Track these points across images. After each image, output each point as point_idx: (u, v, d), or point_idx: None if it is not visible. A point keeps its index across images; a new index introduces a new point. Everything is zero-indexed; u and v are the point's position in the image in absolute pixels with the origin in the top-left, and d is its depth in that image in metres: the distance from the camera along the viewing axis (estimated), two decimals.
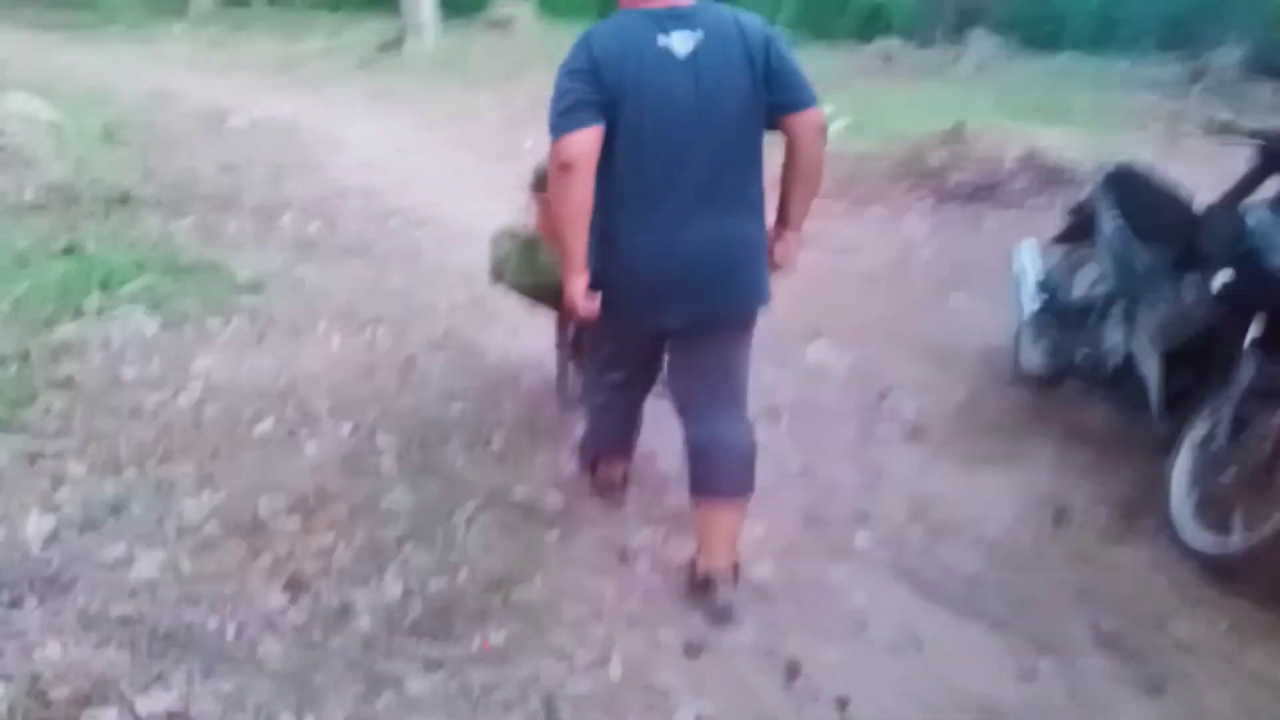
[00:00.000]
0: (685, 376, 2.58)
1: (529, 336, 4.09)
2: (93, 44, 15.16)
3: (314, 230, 5.65)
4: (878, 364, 4.34)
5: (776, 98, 2.30)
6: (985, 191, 7.13)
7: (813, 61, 13.53)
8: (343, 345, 4.14)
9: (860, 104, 10.67)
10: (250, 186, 6.40)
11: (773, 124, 2.36)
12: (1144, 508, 3.20)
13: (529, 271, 3.10)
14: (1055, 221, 6.36)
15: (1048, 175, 7.34)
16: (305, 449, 3.34)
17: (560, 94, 2.21)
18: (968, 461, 3.56)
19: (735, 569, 2.59)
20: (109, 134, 7.94)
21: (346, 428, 3.48)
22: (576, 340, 3.39)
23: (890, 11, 17.75)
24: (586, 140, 2.18)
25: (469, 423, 3.54)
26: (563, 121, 2.19)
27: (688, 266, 2.34)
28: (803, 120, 2.33)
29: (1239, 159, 3.33)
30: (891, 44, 14.03)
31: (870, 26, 17.99)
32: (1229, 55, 12.22)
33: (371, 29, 16.08)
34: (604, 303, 2.40)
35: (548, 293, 2.88)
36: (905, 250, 5.97)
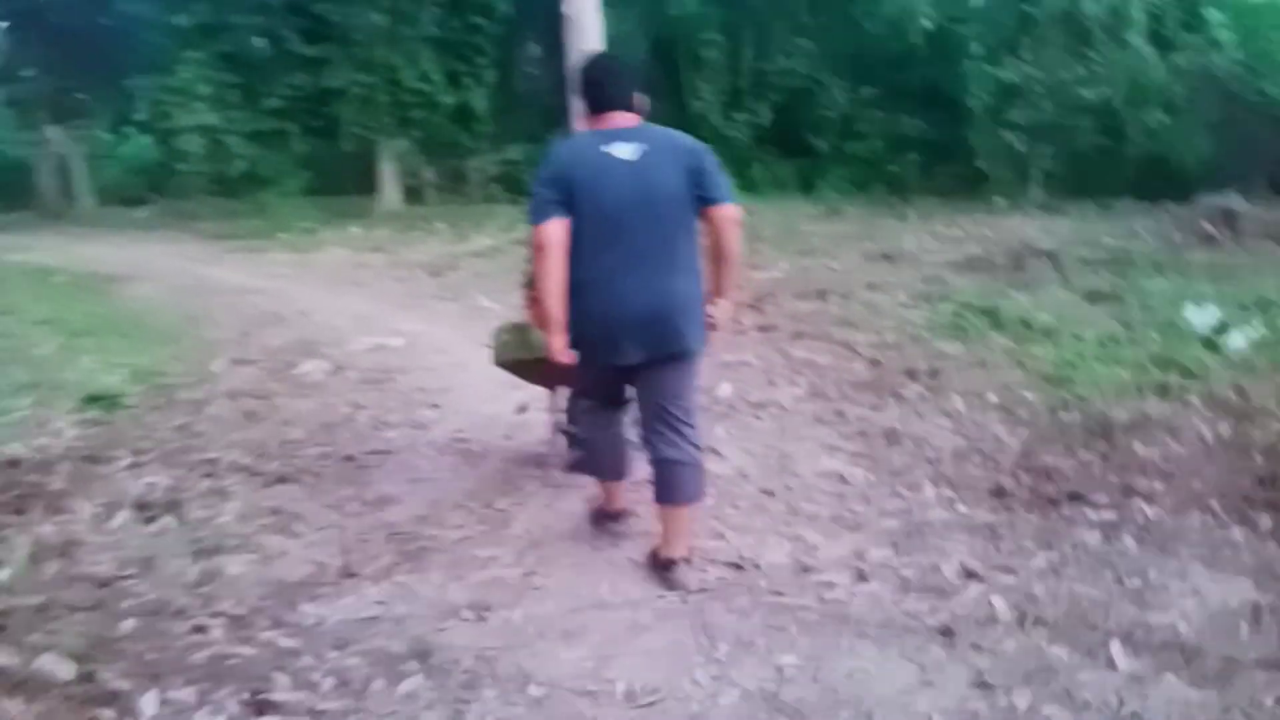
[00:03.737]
0: (646, 405, 2.93)
1: None
2: (249, 254, 13.25)
3: None
4: None
5: (699, 194, 2.72)
6: None
7: (1093, 226, 7.50)
8: None
9: (1254, 298, 6.45)
10: (156, 566, 3.03)
11: (698, 215, 2.78)
12: None
13: (522, 349, 3.52)
14: None
15: None
16: None
17: (534, 196, 2.71)
18: None
19: (689, 553, 2.96)
20: (99, 402, 5.02)
21: None
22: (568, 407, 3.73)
23: (1180, 160, 13.43)
24: (555, 229, 2.65)
25: None
26: (536, 217, 2.68)
27: (639, 316, 2.72)
28: (718, 213, 2.75)
29: None
30: (1227, 200, 9.61)
31: (1152, 181, 13.71)
32: None
33: None
34: (579, 351, 2.82)
35: (535, 366, 3.37)
36: None
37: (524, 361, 3.56)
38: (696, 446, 2.91)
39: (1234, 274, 7.48)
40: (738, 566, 3.08)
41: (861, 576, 2.99)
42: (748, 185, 18.28)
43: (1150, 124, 13.57)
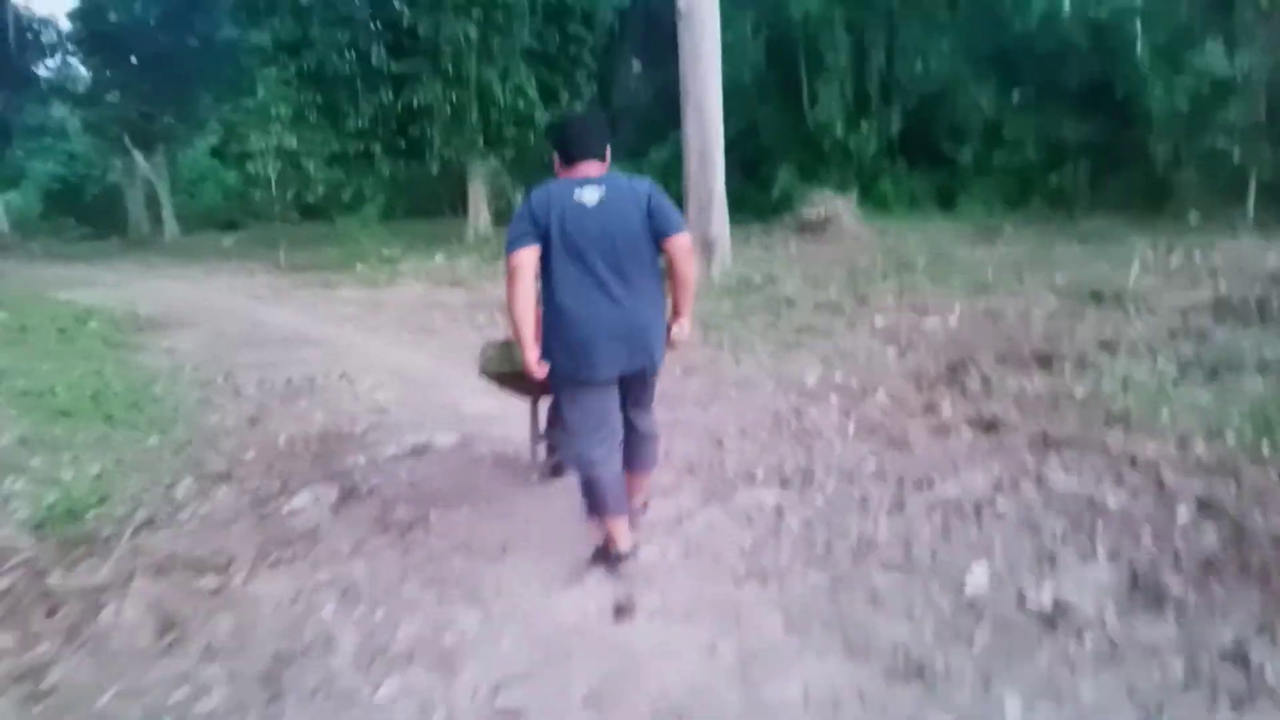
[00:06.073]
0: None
1: None
2: (320, 290, 11.49)
3: None
4: None
5: (654, 227, 2.99)
6: None
7: None
8: None
9: None
10: None
11: (657, 246, 3.03)
12: None
13: (505, 363, 3.77)
14: None
15: None
16: None
17: (511, 230, 2.94)
18: None
19: (644, 505, 3.57)
20: None
21: None
22: (549, 420, 4.03)
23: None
24: (526, 254, 2.89)
25: None
26: (511, 245, 2.90)
27: (603, 337, 2.98)
28: (673, 242, 3.00)
29: None
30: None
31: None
32: None
33: None
34: (551, 366, 3.06)
35: (516, 378, 3.63)
36: None
37: (506, 374, 3.81)
38: (653, 425, 3.39)
39: None
40: None
41: None
42: (877, 202, 15.67)
43: None
